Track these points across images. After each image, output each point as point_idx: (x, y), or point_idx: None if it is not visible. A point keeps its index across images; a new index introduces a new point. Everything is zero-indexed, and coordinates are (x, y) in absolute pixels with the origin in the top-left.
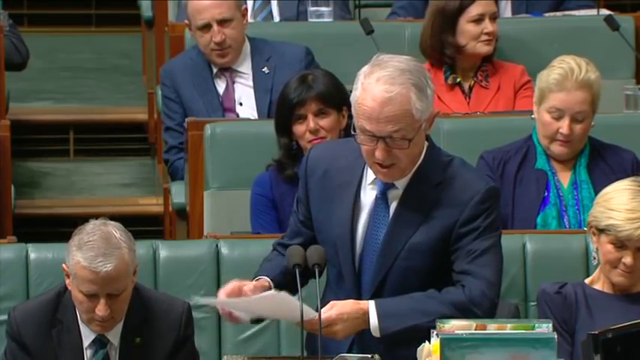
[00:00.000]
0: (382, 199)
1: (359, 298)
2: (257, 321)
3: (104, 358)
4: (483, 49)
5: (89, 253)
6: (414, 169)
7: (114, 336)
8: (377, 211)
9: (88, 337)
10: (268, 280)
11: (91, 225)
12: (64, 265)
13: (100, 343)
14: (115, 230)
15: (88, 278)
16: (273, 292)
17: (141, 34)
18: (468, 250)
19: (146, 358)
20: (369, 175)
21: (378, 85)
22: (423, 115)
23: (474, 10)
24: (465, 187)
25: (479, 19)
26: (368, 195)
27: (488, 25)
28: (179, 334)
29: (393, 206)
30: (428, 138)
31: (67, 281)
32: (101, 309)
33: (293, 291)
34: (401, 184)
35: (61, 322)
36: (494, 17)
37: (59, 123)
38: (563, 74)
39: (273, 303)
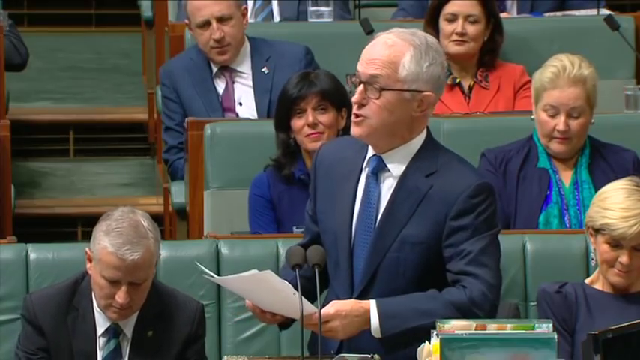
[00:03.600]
0: (373, 177)
1: (352, 287)
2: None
3: (116, 347)
4: (453, 49)
5: (117, 240)
6: (409, 160)
7: (128, 327)
8: (368, 190)
9: (102, 325)
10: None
11: (120, 212)
12: (87, 249)
13: (113, 332)
14: (143, 219)
15: (114, 264)
16: (255, 271)
17: (141, 34)
18: (464, 250)
19: (156, 352)
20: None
21: (386, 34)
22: (409, 78)
23: (448, 9)
24: (456, 180)
25: (452, 18)
26: (365, 182)
27: (459, 26)
28: (190, 331)
29: (385, 192)
30: (428, 131)
31: (88, 265)
32: (121, 296)
33: (314, 294)
34: (394, 169)
35: (77, 310)
36: (471, 19)
37: (59, 123)
38: (556, 72)
39: (267, 288)
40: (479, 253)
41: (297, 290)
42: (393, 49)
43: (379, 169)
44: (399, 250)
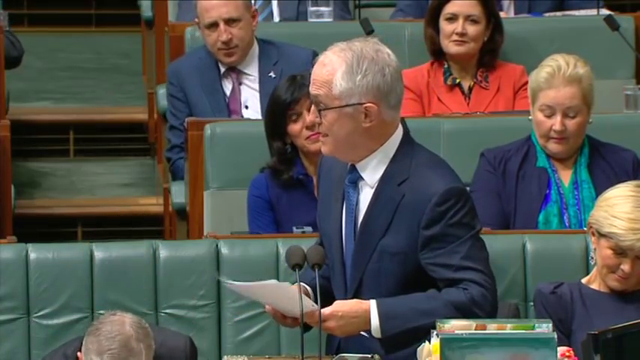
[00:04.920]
0: (352, 186)
1: (346, 292)
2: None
3: None
4: (452, 48)
5: None
6: (385, 166)
7: None
8: (348, 199)
9: None
10: (305, 285)
11: (109, 325)
12: (79, 354)
13: None
14: (133, 330)
15: None
16: (274, 281)
17: (141, 34)
18: (446, 262)
19: None
20: None
21: (327, 51)
22: (344, 95)
23: (448, 9)
24: (424, 188)
25: (452, 18)
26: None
27: (459, 26)
28: None
29: (362, 201)
30: (404, 129)
31: None
32: None
33: (331, 295)
34: (368, 178)
35: None
36: (471, 19)
37: (59, 123)
38: (551, 72)
39: (276, 292)
40: (463, 259)
41: (298, 290)
42: (326, 68)
43: (356, 178)
44: (379, 260)
